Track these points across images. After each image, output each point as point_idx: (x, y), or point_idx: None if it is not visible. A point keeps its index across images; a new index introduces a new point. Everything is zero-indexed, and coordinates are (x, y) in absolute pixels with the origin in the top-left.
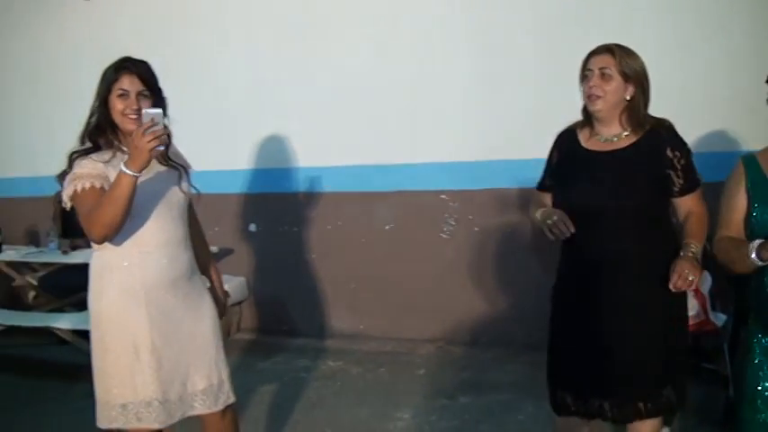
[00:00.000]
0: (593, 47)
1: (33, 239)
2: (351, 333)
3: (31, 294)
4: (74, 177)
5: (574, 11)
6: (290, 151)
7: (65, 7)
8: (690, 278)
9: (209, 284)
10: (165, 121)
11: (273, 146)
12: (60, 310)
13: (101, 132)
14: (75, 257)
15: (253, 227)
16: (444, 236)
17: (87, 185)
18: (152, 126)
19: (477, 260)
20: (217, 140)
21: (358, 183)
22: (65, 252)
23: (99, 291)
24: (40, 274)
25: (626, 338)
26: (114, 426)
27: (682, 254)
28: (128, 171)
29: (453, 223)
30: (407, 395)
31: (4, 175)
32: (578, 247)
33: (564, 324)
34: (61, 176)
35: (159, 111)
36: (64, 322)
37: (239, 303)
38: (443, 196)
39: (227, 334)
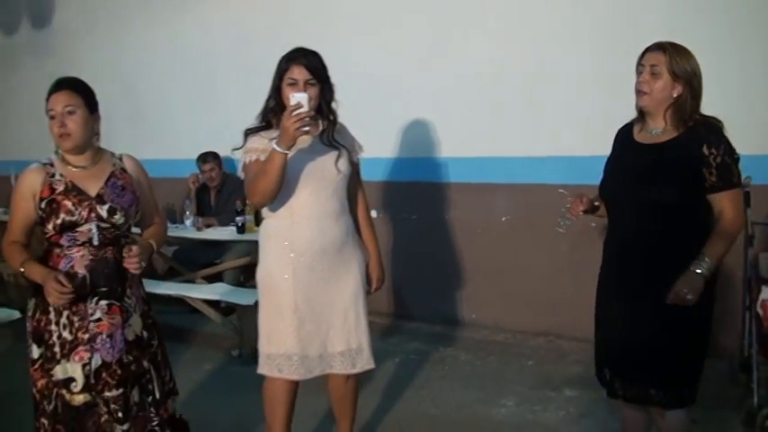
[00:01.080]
0: (715, 42)
1: (170, 216)
2: (463, 321)
3: (165, 266)
4: (245, 151)
5: (702, 3)
6: (413, 141)
7: None
8: (688, 297)
9: (367, 258)
10: (334, 105)
11: (396, 136)
12: (191, 281)
13: (273, 114)
14: (208, 235)
15: (374, 213)
16: (560, 230)
17: (253, 158)
18: (297, 109)
19: (591, 256)
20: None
21: (477, 174)
22: (199, 229)
23: (261, 254)
24: (174, 248)
25: (637, 326)
26: (262, 372)
27: (691, 267)
28: (277, 148)
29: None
30: (514, 384)
31: (145, 156)
32: (610, 235)
33: (598, 308)
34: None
35: (305, 95)
36: (196, 292)
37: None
38: (562, 190)
39: None
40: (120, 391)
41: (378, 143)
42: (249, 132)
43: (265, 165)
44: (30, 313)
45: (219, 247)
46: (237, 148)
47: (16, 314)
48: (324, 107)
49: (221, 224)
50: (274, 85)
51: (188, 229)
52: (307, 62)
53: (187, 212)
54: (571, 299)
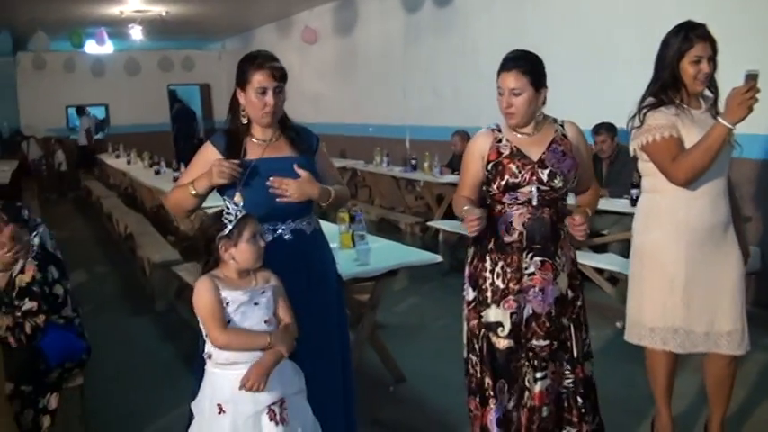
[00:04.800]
0: None
1: None
2: None
3: None
4: (649, 129)
5: None
6: None
7: None
8: None
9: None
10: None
11: None
12: (577, 248)
13: (665, 91)
14: (599, 204)
15: None
16: None
17: (666, 135)
18: (755, 86)
19: None
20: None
21: None
22: None
23: (645, 228)
24: None
25: None
26: (641, 343)
27: None
28: (726, 124)
29: None
30: None
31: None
32: None
33: None
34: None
35: (758, 71)
36: (586, 259)
37: (750, 274)
38: None
39: None
40: (547, 342)
41: None
42: (647, 109)
43: (705, 141)
44: (468, 260)
45: (608, 217)
46: (637, 126)
47: (438, 258)
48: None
49: (611, 195)
50: (672, 61)
51: None
52: (710, 38)
53: None
54: None
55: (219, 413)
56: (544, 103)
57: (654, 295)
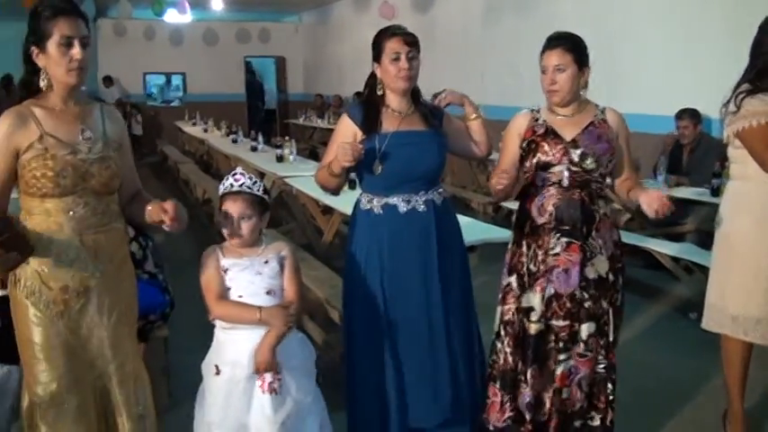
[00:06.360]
0: None
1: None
2: None
3: (625, 217)
4: (745, 114)
5: None
6: None
7: None
8: None
9: None
10: None
11: None
12: (651, 236)
13: (761, 78)
14: (677, 192)
15: None
16: None
17: (763, 121)
18: None
19: None
20: None
21: None
22: (670, 186)
23: (732, 215)
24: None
25: None
26: (722, 331)
27: None
28: None
29: None
30: None
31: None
32: None
33: None
34: None
35: None
36: (664, 248)
37: None
38: None
39: None
40: (567, 323)
41: None
42: (744, 95)
43: None
44: (510, 245)
45: (684, 206)
46: (733, 112)
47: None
48: None
49: (692, 184)
50: None
51: (659, 185)
52: None
53: (660, 168)
54: None
55: (216, 374)
56: (586, 85)
57: (739, 283)
